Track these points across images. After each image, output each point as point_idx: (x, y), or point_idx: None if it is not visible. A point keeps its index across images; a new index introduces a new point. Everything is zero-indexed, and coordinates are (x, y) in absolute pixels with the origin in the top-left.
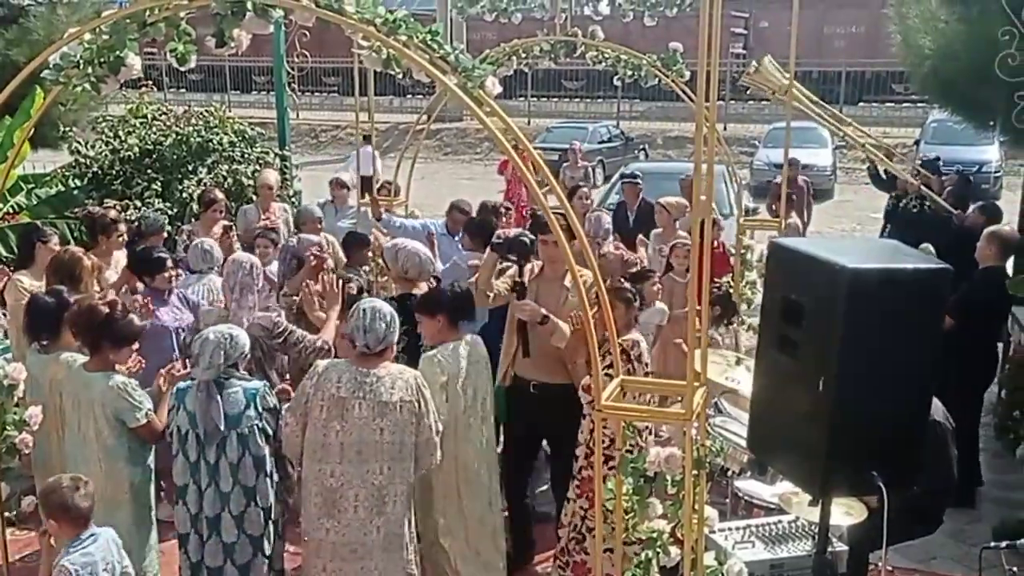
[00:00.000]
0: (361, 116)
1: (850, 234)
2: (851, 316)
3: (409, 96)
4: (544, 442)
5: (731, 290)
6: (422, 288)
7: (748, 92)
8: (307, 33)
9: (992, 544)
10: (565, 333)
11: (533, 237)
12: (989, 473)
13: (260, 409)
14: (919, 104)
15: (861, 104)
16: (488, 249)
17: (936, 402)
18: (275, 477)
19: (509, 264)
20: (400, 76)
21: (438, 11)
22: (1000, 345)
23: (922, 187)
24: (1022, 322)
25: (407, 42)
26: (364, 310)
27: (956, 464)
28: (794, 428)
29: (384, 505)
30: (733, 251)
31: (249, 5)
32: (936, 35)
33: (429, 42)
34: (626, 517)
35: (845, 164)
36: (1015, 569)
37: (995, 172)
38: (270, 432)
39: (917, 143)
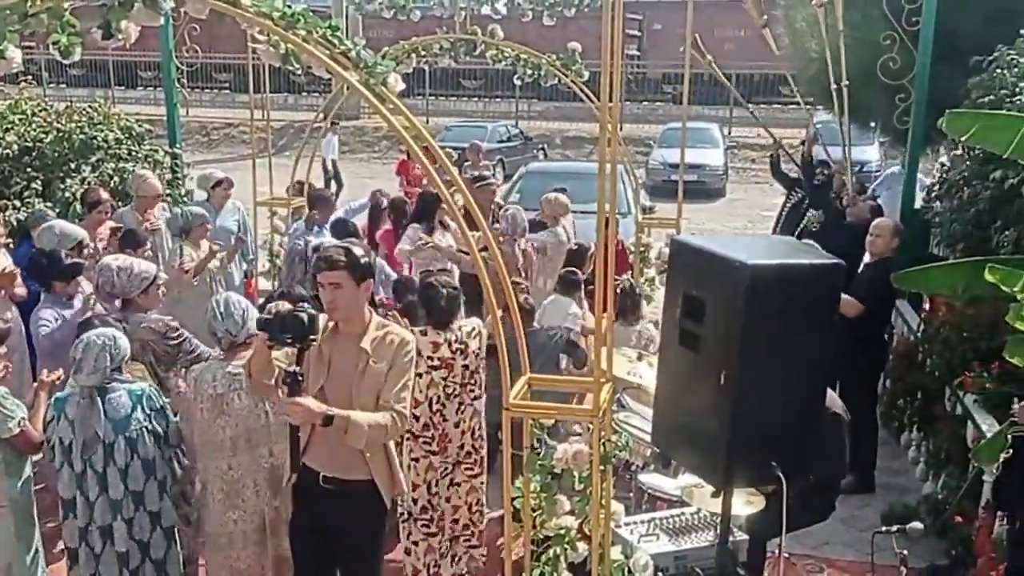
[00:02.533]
0: (256, 113)
1: (742, 231)
2: (750, 311)
3: (305, 93)
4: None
5: (635, 287)
6: None
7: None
8: (197, 27)
9: (883, 529)
10: (364, 430)
11: (314, 312)
12: (877, 460)
13: (147, 410)
14: (805, 105)
15: (750, 105)
16: (258, 330)
17: (832, 393)
18: (168, 482)
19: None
20: (297, 73)
21: (333, 7)
22: (886, 336)
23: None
24: (905, 315)
25: (307, 37)
26: (217, 301)
27: (850, 453)
28: (697, 422)
29: (280, 484)
30: (632, 249)
31: None
32: (821, 38)
33: (329, 37)
34: (534, 515)
35: (736, 164)
36: (905, 552)
37: (875, 171)
38: (160, 433)
39: (803, 143)
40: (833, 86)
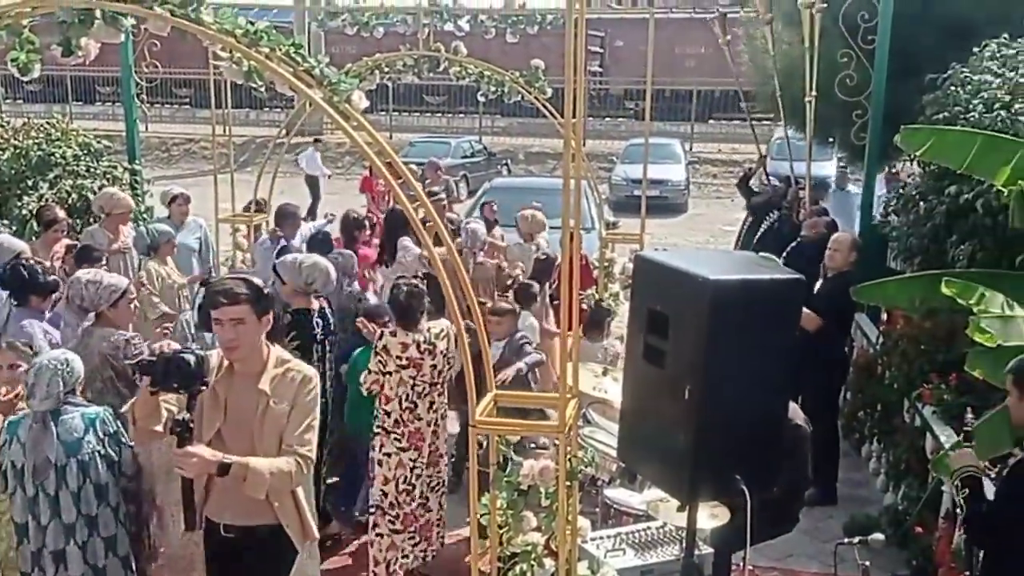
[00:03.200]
0: (218, 129)
1: (704, 246)
2: (714, 326)
3: (266, 109)
4: None
5: (602, 303)
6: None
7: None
8: (158, 42)
9: (846, 540)
10: (264, 478)
11: (202, 353)
12: (839, 472)
13: (101, 435)
14: (765, 121)
15: (711, 121)
16: (140, 374)
17: (793, 406)
18: (121, 508)
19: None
20: (259, 88)
21: (295, 24)
22: (846, 349)
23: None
24: (864, 328)
25: (270, 54)
26: (187, 321)
27: (812, 465)
28: (662, 436)
29: None
30: (596, 264)
31: (98, 13)
32: (781, 56)
33: (293, 54)
34: (500, 531)
35: (698, 179)
36: (868, 563)
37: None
38: (113, 458)
39: (764, 158)
40: (808, 98)
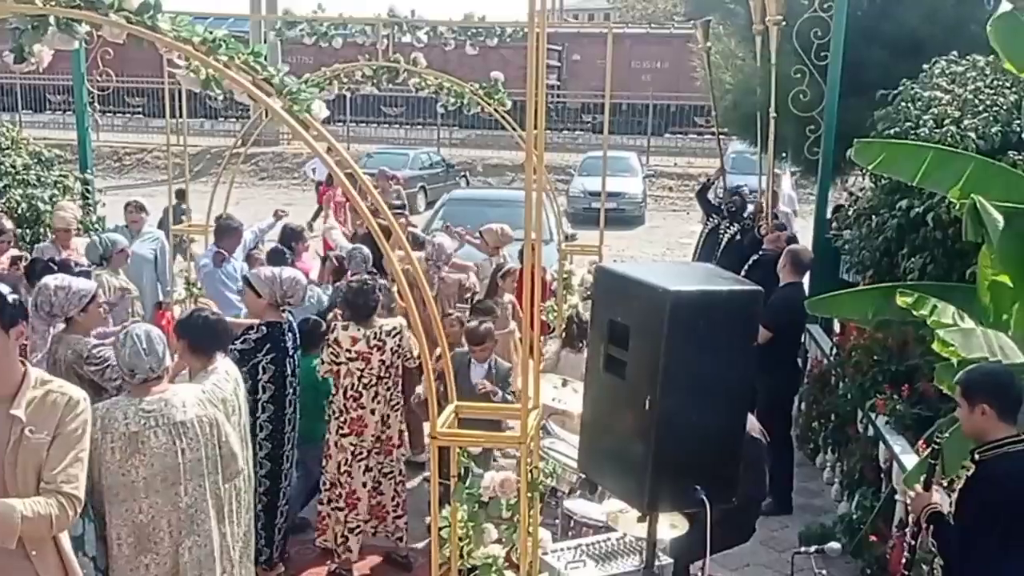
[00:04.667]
0: (172, 139)
1: (661, 258)
2: (673, 337)
3: (222, 119)
4: None
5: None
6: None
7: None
8: (111, 50)
9: (802, 549)
10: (14, 522)
11: None
12: (794, 482)
13: None
14: (720, 135)
15: (667, 135)
16: None
17: (750, 416)
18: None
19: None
20: (219, 98)
21: (252, 33)
22: (800, 360)
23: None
24: (818, 339)
25: (228, 62)
26: (139, 335)
27: (769, 476)
28: (622, 447)
29: (194, 524)
30: (554, 276)
31: (52, 19)
32: (735, 71)
33: (252, 63)
34: (461, 544)
35: (654, 192)
36: (824, 572)
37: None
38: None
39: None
40: (773, 114)
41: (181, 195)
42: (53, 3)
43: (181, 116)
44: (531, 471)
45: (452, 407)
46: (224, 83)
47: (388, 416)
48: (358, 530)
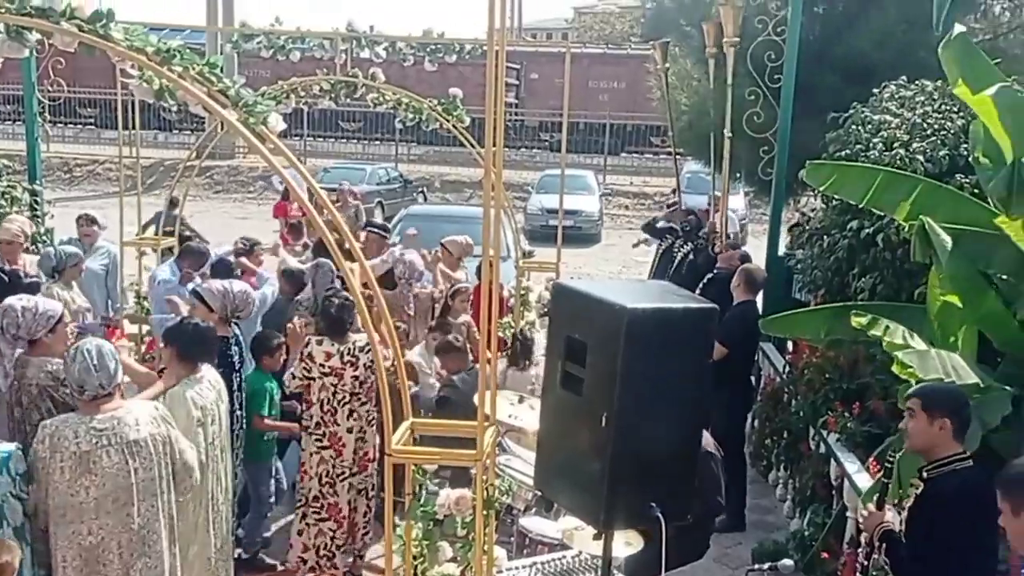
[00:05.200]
0: (124, 151)
1: (617, 275)
2: (629, 353)
3: (176, 131)
4: None
5: (525, 331)
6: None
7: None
8: (63, 60)
9: (756, 567)
10: None
11: None
12: (747, 499)
13: (13, 475)
14: (676, 155)
15: (623, 154)
16: None
17: (706, 433)
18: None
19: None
20: (174, 109)
21: (208, 45)
22: (753, 378)
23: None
24: (771, 357)
25: (183, 73)
26: (89, 350)
27: (724, 492)
28: (578, 464)
29: (145, 546)
30: (512, 292)
31: (1, 27)
32: (691, 92)
33: (207, 74)
34: (415, 563)
35: (610, 210)
36: None
37: (741, 219)
38: (25, 497)
39: (675, 191)
40: (728, 134)
41: (174, 203)
42: (3, 10)
43: (134, 127)
44: (487, 488)
45: (407, 424)
46: (178, 94)
47: (365, 432)
48: (344, 547)
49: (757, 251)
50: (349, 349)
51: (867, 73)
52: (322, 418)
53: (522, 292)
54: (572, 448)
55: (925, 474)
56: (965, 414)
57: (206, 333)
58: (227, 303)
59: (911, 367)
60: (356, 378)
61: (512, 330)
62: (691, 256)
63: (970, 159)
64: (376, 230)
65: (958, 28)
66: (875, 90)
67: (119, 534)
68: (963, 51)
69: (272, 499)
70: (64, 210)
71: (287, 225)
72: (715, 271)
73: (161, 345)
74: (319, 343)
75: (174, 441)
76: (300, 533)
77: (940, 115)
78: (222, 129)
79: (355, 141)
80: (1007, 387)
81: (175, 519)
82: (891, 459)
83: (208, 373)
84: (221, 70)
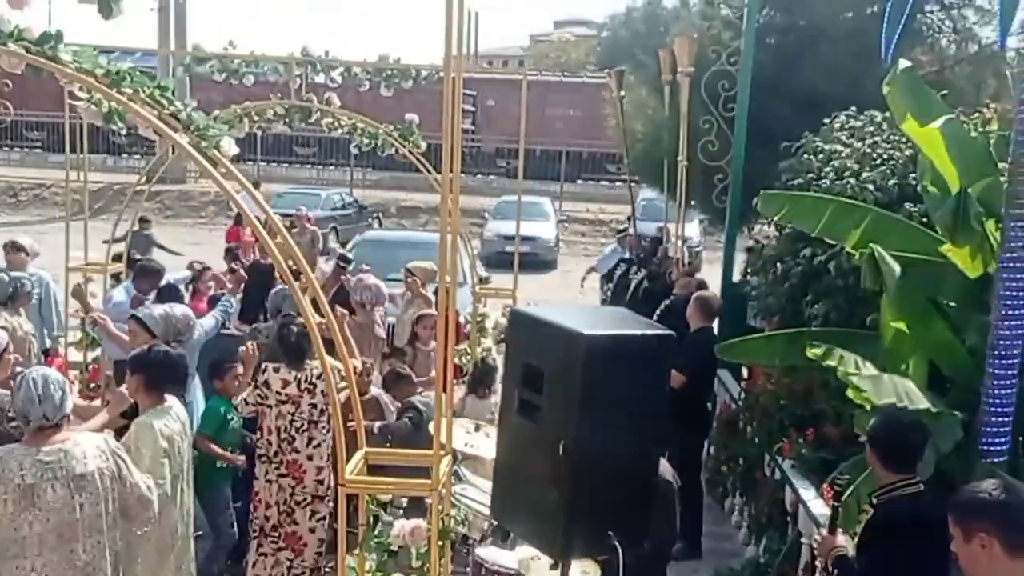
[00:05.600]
0: (72, 175)
1: (574, 302)
2: (587, 380)
3: (125, 155)
4: None
5: (487, 359)
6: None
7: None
8: (9, 83)
9: None
10: None
11: None
12: (703, 526)
13: None
14: (631, 183)
15: (579, 181)
16: None
17: (663, 461)
18: None
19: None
20: (123, 133)
21: (159, 68)
22: (710, 405)
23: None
24: (726, 384)
25: (133, 96)
26: (35, 379)
27: (680, 520)
28: (536, 492)
29: None
30: (468, 319)
31: None
32: (646, 121)
33: (158, 97)
34: None
35: (567, 237)
36: None
37: (696, 247)
38: None
39: (630, 218)
40: (683, 162)
41: (144, 221)
42: None
43: (82, 151)
44: (442, 518)
45: (361, 453)
46: (128, 117)
47: (326, 459)
48: (290, 568)
49: (712, 278)
50: (307, 376)
51: (818, 103)
52: (280, 446)
53: (478, 319)
54: (529, 476)
55: (875, 500)
56: (885, 443)
57: (176, 361)
58: (169, 328)
59: (865, 392)
60: (314, 406)
61: (468, 356)
62: (647, 282)
63: (918, 188)
64: (342, 262)
65: (903, 63)
66: (826, 120)
67: (63, 571)
68: (908, 85)
69: (234, 529)
70: (8, 234)
71: (226, 251)
72: (672, 298)
73: (128, 374)
74: (276, 370)
75: (126, 475)
76: (254, 564)
77: (889, 145)
78: (173, 153)
79: (310, 166)
80: (957, 413)
81: (121, 556)
82: (840, 483)
83: (174, 404)
84: (173, 93)
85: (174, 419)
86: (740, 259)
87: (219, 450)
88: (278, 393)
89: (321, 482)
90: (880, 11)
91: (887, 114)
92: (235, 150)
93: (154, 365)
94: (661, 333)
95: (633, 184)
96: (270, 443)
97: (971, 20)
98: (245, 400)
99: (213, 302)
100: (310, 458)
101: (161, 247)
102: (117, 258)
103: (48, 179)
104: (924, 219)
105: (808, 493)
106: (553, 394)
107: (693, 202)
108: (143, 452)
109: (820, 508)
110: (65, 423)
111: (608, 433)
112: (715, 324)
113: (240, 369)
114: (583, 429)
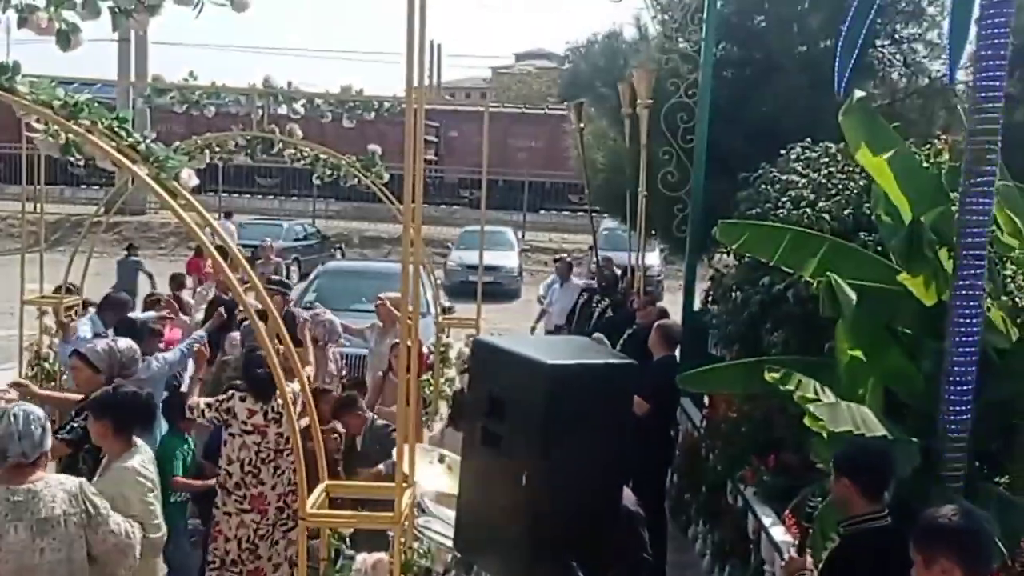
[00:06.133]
0: (28, 206)
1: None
2: (551, 410)
3: (83, 187)
4: None
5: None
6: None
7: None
8: None
9: None
10: None
11: None
12: (667, 554)
13: None
14: (592, 212)
15: (541, 211)
16: None
17: (627, 490)
18: None
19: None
20: (82, 164)
21: (118, 100)
22: (673, 432)
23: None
24: (688, 412)
25: (91, 127)
26: (15, 415)
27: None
28: (499, 524)
29: None
30: (431, 349)
31: None
32: (607, 152)
33: (116, 128)
34: None
35: (530, 266)
36: None
37: (657, 276)
38: None
39: (591, 248)
40: (643, 193)
41: (132, 247)
42: None
43: (39, 182)
44: (405, 552)
45: (323, 486)
46: (86, 149)
47: (292, 487)
48: None
49: (673, 306)
50: (273, 407)
51: (774, 135)
52: (242, 479)
53: (442, 349)
54: (493, 508)
55: (842, 529)
56: (867, 475)
57: (145, 401)
58: (113, 363)
59: (821, 420)
60: (281, 435)
61: (432, 388)
62: (609, 311)
63: (872, 218)
64: (276, 287)
65: (858, 93)
66: (782, 151)
67: None
68: (862, 116)
69: (195, 556)
70: None
71: (171, 278)
72: (634, 326)
73: (91, 419)
74: (242, 399)
75: (100, 522)
76: None
77: (844, 175)
78: (132, 184)
79: (272, 197)
80: (914, 439)
81: None
82: (811, 505)
83: (140, 443)
84: (132, 124)
85: (149, 458)
86: (701, 288)
87: (197, 482)
88: (243, 423)
89: (283, 509)
90: (833, 45)
91: (841, 145)
92: (195, 181)
93: (122, 407)
94: (624, 362)
95: (595, 214)
96: (230, 474)
97: (921, 54)
98: (203, 411)
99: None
100: (274, 487)
101: (149, 275)
102: (68, 290)
103: (4, 210)
104: (879, 248)
105: (769, 520)
106: (516, 424)
107: (654, 231)
108: (129, 497)
109: (782, 535)
110: (43, 461)
111: (572, 463)
112: (677, 352)
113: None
114: (547, 459)
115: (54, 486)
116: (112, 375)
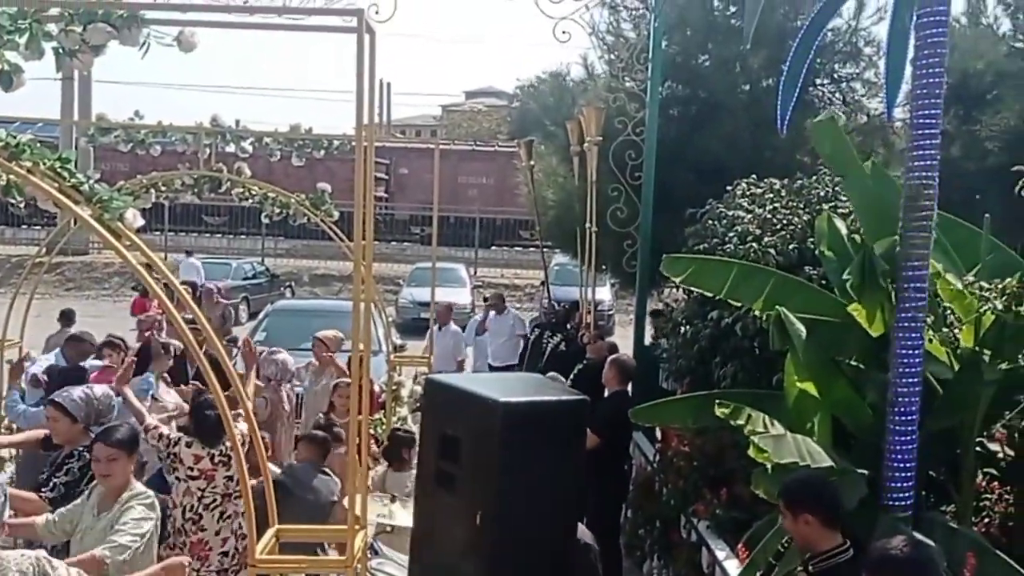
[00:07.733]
0: None
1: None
2: (505, 447)
3: (24, 227)
4: None
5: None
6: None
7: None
8: None
9: None
10: None
11: None
12: None
13: None
14: (544, 248)
15: (493, 248)
16: None
17: (581, 525)
18: None
19: None
20: (22, 204)
21: (61, 139)
22: (626, 467)
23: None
24: (641, 446)
25: (32, 168)
26: None
27: None
28: (454, 563)
29: None
30: (383, 387)
31: None
32: (557, 188)
33: (59, 169)
34: None
35: (482, 303)
36: None
37: (608, 310)
38: None
39: (543, 283)
40: (593, 229)
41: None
42: None
43: None
44: None
45: (273, 531)
46: (27, 190)
47: (239, 531)
48: None
49: (624, 341)
50: (221, 450)
51: (720, 171)
52: (183, 525)
53: (393, 387)
54: (447, 547)
55: (811, 568)
56: (826, 503)
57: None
58: (91, 411)
59: (767, 452)
60: (230, 478)
61: (384, 427)
62: (561, 347)
63: (816, 252)
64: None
65: (825, 113)
66: (728, 187)
67: None
68: (828, 133)
69: None
70: None
71: (138, 322)
72: (585, 361)
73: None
74: (188, 445)
75: None
76: None
77: (788, 211)
78: (75, 224)
79: (220, 235)
80: (861, 470)
81: None
82: (784, 546)
83: (139, 488)
84: (75, 165)
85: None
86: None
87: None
88: (189, 468)
89: (226, 553)
90: (775, 83)
91: (784, 181)
92: (140, 222)
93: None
94: (576, 398)
95: (546, 250)
96: (173, 519)
97: (860, 92)
98: (157, 437)
99: None
100: (218, 532)
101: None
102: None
103: None
104: (823, 281)
105: (723, 553)
106: (470, 463)
107: (604, 266)
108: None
109: (735, 568)
110: (1, 531)
111: (526, 500)
112: (630, 387)
113: None
114: (501, 497)
115: (10, 560)
116: (89, 423)
